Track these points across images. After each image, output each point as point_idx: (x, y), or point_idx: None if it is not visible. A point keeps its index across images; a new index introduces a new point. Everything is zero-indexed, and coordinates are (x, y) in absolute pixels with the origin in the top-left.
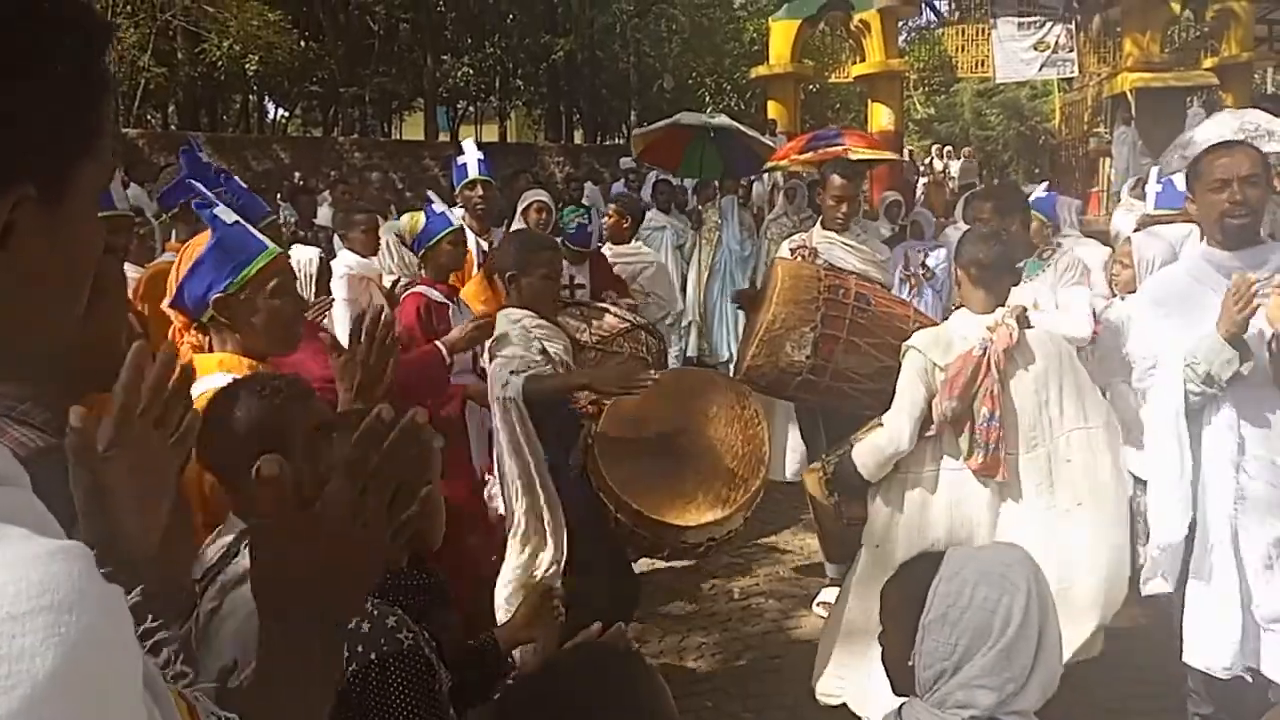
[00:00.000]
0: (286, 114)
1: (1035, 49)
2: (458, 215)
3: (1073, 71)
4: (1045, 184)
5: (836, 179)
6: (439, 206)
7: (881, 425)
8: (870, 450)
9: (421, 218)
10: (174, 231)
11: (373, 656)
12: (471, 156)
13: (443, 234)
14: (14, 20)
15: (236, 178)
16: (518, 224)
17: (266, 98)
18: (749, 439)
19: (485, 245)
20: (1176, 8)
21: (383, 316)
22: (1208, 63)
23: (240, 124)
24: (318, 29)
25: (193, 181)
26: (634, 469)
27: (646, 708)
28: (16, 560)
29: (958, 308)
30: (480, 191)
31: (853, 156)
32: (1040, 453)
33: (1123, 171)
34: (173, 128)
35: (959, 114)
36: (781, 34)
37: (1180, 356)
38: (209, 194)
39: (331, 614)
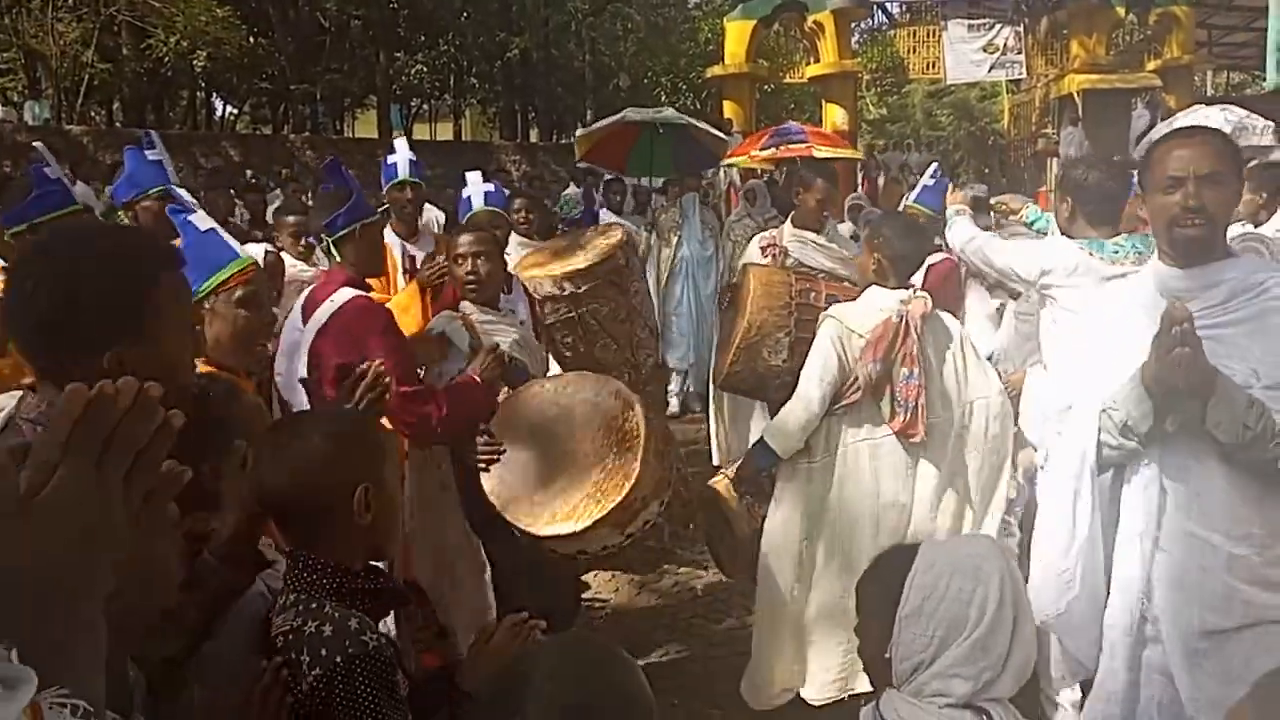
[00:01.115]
0: (235, 111)
1: (985, 51)
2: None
3: (1021, 73)
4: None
5: (821, 182)
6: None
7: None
8: (781, 423)
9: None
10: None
11: (338, 659)
12: (403, 156)
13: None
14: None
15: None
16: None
17: (214, 94)
18: (622, 453)
19: (413, 251)
20: (1121, 12)
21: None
22: (1151, 65)
23: (187, 120)
24: (267, 25)
25: (173, 189)
26: (510, 471)
27: (626, 692)
28: None
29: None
30: (409, 194)
31: (818, 154)
32: (949, 416)
33: None
34: (118, 124)
35: (910, 114)
36: (736, 34)
37: (1099, 399)
38: (187, 198)
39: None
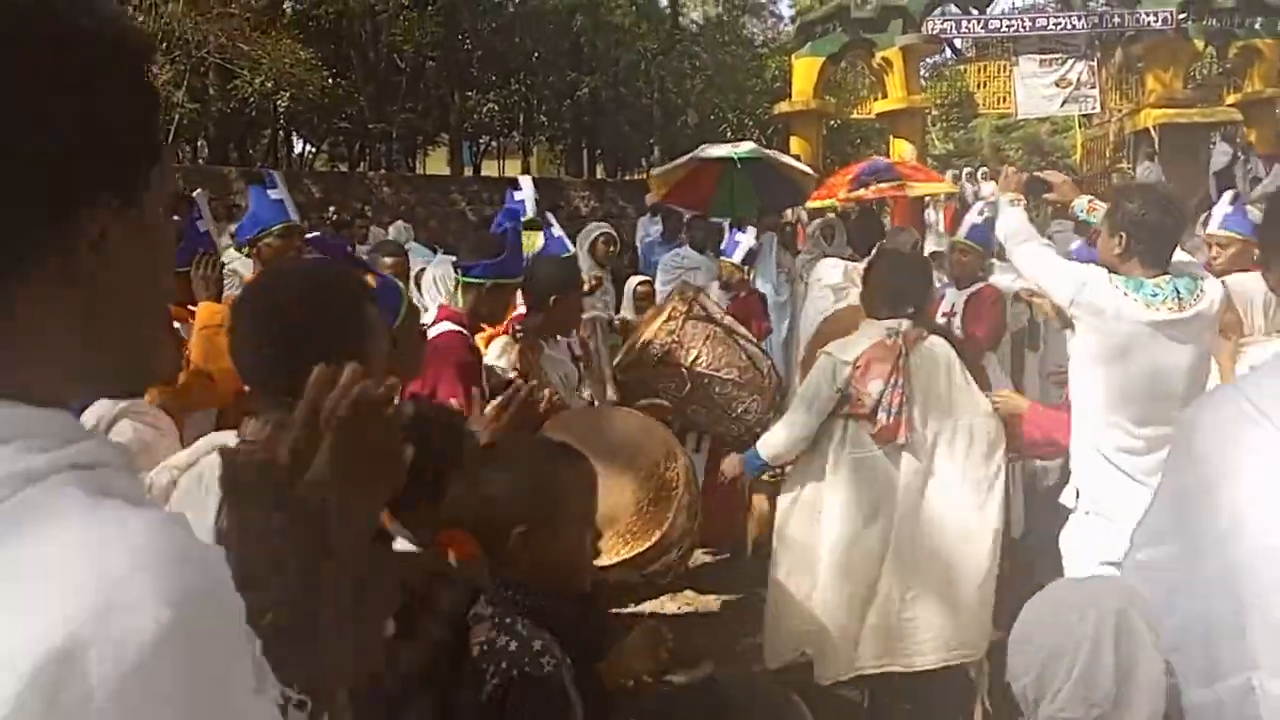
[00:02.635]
0: (313, 149)
1: (1057, 85)
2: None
3: (1095, 108)
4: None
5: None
6: (556, 230)
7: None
8: (773, 439)
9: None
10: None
11: (514, 674)
12: (528, 194)
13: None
14: (75, 41)
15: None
16: (583, 259)
17: (294, 133)
18: (658, 500)
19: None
20: (1200, 45)
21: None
22: (1231, 99)
23: (268, 158)
24: (347, 66)
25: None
26: None
27: None
28: (120, 528)
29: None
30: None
31: (912, 192)
32: (936, 428)
33: None
34: (201, 161)
35: (977, 149)
36: (804, 71)
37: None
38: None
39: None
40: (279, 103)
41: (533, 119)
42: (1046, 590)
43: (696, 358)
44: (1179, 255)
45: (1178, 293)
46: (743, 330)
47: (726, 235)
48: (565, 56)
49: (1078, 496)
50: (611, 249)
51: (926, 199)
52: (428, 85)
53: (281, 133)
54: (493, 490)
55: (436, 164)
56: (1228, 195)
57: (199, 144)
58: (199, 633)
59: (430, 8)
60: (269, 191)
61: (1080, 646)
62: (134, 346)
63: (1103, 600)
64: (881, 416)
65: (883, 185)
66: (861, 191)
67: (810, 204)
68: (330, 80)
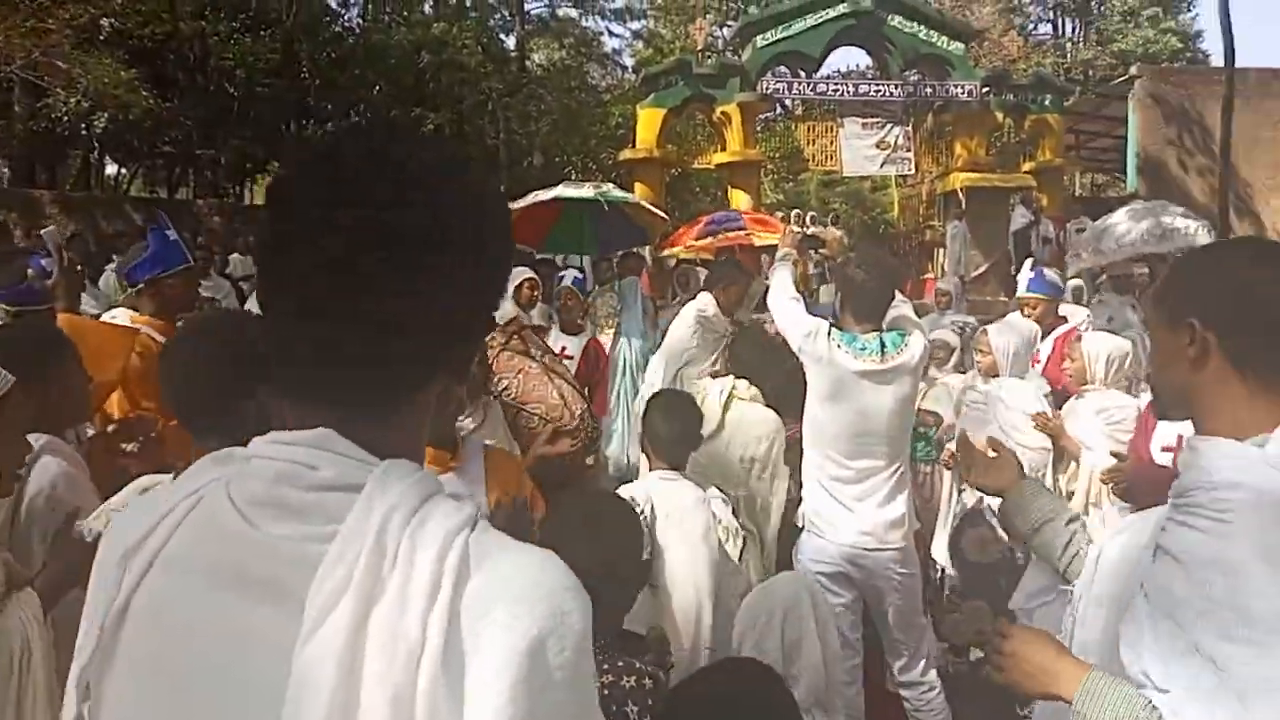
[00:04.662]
0: (128, 173)
1: (878, 147)
2: None
3: (910, 169)
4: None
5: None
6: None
7: None
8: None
9: None
10: (138, 307)
11: (663, 706)
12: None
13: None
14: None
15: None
16: (507, 303)
17: (106, 156)
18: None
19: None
20: (999, 117)
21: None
22: (1026, 166)
23: (79, 181)
24: (174, 89)
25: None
26: None
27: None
28: (533, 557)
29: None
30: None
31: (757, 241)
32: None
33: (955, 260)
34: (3, 184)
35: (806, 201)
36: (647, 121)
37: None
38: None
39: None
40: (96, 124)
41: None
42: (758, 586)
43: (506, 388)
44: (895, 312)
45: (882, 346)
46: (563, 371)
47: (553, 278)
48: (409, 91)
49: (805, 518)
50: (535, 293)
51: (764, 254)
52: (260, 112)
53: (95, 156)
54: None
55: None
56: (1028, 263)
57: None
58: (587, 636)
59: (264, 33)
60: (167, 232)
61: (755, 627)
62: None
63: (776, 595)
64: None
65: (729, 234)
66: (709, 240)
67: (665, 252)
68: (155, 102)
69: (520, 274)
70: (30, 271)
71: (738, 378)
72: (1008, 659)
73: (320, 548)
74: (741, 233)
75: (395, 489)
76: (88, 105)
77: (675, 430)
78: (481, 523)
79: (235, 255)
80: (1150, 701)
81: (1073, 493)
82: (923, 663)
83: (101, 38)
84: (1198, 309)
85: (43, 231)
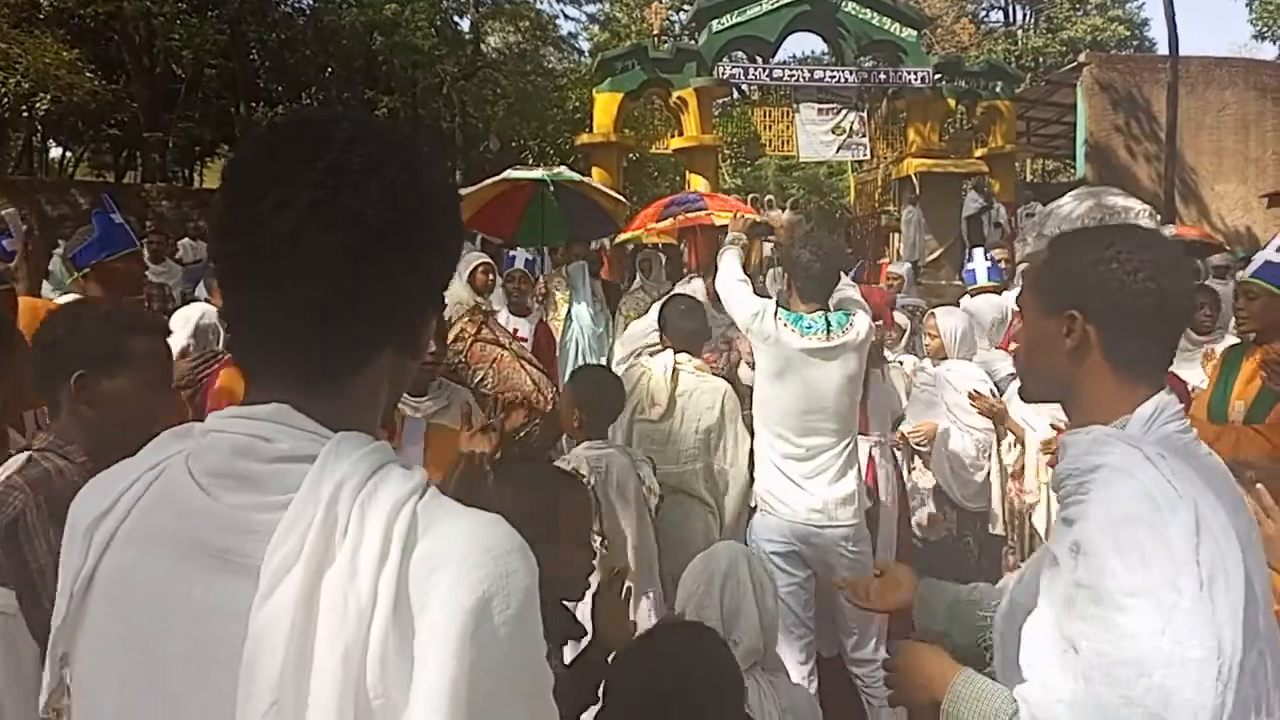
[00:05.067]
0: (73, 156)
1: (833, 133)
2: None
3: (865, 155)
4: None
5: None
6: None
7: None
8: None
9: None
10: (86, 292)
11: None
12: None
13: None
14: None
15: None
16: (462, 289)
17: (50, 139)
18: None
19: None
20: (952, 103)
21: None
22: (978, 152)
23: (20, 164)
24: (117, 70)
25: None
26: None
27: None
28: (480, 520)
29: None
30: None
31: (718, 221)
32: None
33: (910, 245)
34: None
35: (764, 186)
36: (604, 106)
37: None
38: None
39: None
40: (38, 105)
41: None
42: (699, 555)
43: (482, 379)
44: (841, 294)
45: (828, 324)
46: (529, 356)
47: (503, 259)
48: (361, 73)
49: (757, 496)
50: (491, 278)
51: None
52: (208, 94)
53: (37, 138)
54: (496, 508)
55: (215, 177)
56: (979, 252)
57: None
58: (533, 595)
59: (212, 14)
60: (112, 216)
61: (695, 595)
62: None
63: (716, 561)
64: None
65: (690, 215)
66: (669, 222)
67: (620, 237)
68: (100, 84)
69: (475, 259)
70: None
71: (677, 351)
72: (901, 675)
73: (275, 516)
74: (702, 213)
75: (347, 460)
76: (28, 86)
77: (599, 402)
78: (431, 490)
79: (185, 240)
80: (1010, 694)
81: (1022, 469)
82: (873, 641)
83: (41, 16)
84: (1079, 300)
85: (3, 212)
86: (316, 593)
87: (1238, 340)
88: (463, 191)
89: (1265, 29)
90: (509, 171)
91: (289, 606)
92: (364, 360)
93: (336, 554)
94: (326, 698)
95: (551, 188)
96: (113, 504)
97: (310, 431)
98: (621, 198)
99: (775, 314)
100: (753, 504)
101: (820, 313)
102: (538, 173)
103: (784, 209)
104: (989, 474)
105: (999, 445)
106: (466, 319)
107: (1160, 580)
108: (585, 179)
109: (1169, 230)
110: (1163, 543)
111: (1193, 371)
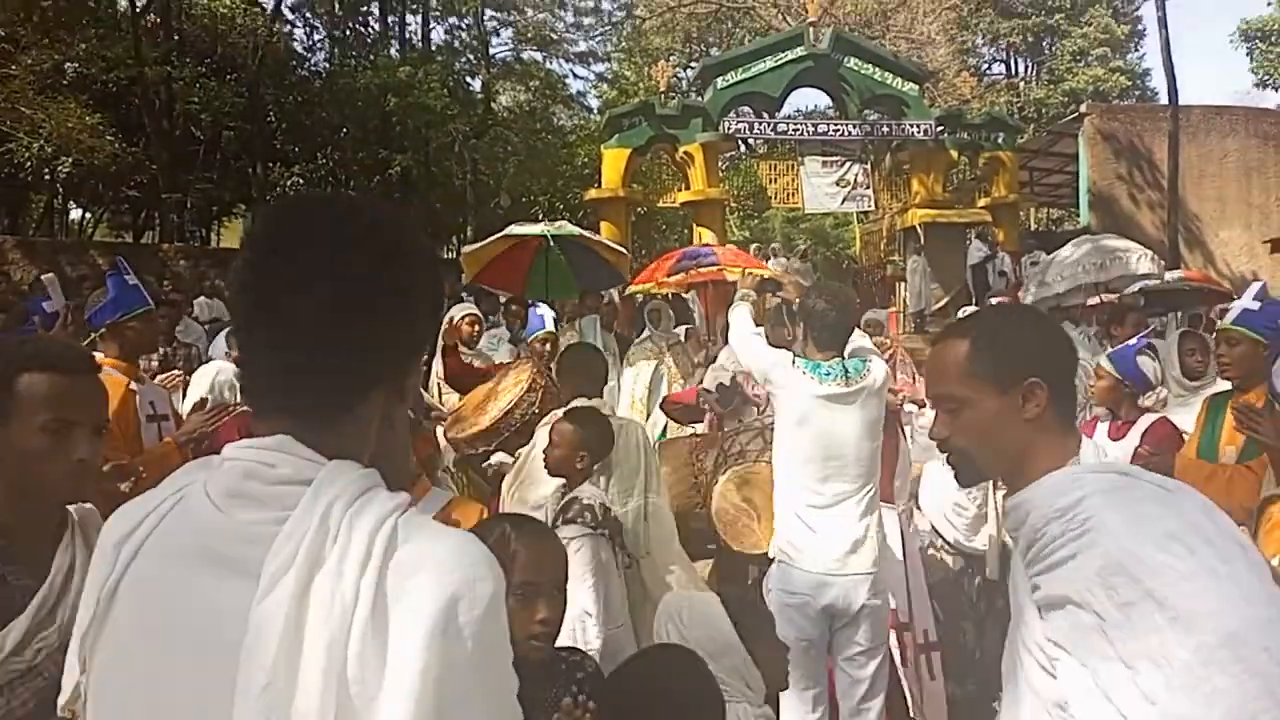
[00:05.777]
0: (93, 217)
1: (838, 184)
2: None
3: (870, 206)
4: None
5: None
6: None
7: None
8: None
9: None
10: (102, 350)
11: None
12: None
13: None
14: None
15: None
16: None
17: (70, 201)
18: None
19: None
20: (954, 154)
21: None
22: (982, 202)
23: (41, 226)
24: (139, 133)
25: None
26: None
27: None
28: (454, 535)
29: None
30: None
31: (730, 276)
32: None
33: (916, 294)
34: None
35: (771, 237)
36: (612, 161)
37: None
38: None
39: None
40: (60, 168)
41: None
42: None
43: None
44: (854, 344)
45: (845, 371)
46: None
47: (530, 316)
48: (375, 134)
49: (776, 548)
50: (476, 329)
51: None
52: (226, 155)
53: (59, 200)
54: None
55: (233, 237)
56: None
57: None
58: (500, 605)
59: (230, 77)
60: (126, 277)
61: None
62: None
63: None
64: None
65: (702, 270)
66: (680, 276)
67: (631, 289)
68: (120, 147)
69: (462, 309)
70: (36, 317)
71: (574, 397)
72: None
73: (276, 529)
74: (714, 268)
75: (339, 482)
76: (51, 150)
77: (603, 449)
78: (411, 509)
79: (201, 299)
80: None
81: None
82: (873, 715)
83: (65, 83)
84: (1036, 368)
85: (44, 277)
86: (308, 591)
87: (1229, 387)
88: (468, 249)
89: (1267, 76)
90: (512, 228)
91: (284, 602)
92: (355, 400)
93: (327, 559)
94: (313, 682)
95: (552, 242)
96: (138, 523)
97: (308, 459)
98: (623, 249)
99: (793, 362)
100: (771, 555)
101: (837, 359)
102: (539, 228)
103: (792, 258)
104: (987, 515)
105: (994, 488)
106: (533, 368)
107: (1212, 556)
108: (585, 233)
109: (1173, 275)
110: (1191, 526)
111: (1189, 416)
